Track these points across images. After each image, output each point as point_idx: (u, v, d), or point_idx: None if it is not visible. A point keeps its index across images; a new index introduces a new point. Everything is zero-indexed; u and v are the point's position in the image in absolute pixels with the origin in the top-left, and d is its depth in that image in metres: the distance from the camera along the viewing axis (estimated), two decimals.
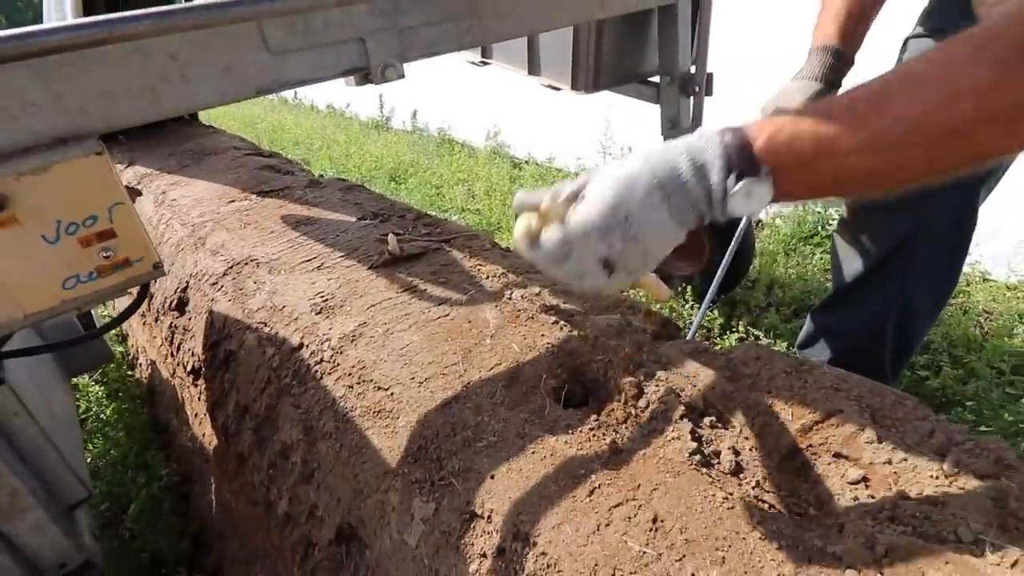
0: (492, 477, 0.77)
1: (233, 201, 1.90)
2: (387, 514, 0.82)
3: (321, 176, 2.48)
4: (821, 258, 2.60)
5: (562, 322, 1.04)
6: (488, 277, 1.25)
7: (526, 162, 4.39)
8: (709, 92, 1.77)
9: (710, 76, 1.76)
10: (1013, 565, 0.61)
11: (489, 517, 0.73)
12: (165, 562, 1.40)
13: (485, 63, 2.08)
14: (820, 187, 0.61)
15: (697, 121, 1.80)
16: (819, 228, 2.78)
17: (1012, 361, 1.87)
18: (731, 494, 0.73)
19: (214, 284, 1.45)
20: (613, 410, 0.87)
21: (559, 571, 0.66)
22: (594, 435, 0.82)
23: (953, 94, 0.51)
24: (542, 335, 1.01)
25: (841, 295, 1.54)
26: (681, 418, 0.84)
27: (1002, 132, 0.52)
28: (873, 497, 0.73)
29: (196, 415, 1.48)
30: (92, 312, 1.34)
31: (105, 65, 0.71)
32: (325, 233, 1.56)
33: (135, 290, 0.85)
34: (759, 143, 0.57)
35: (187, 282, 1.57)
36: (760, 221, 2.92)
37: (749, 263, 2.16)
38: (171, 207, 1.94)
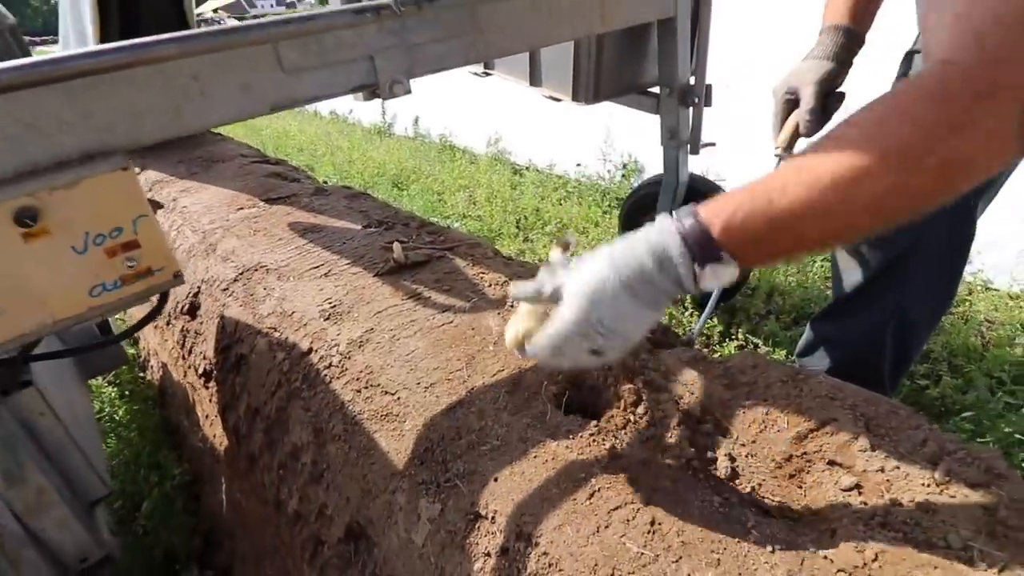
0: (496, 479, 0.80)
1: (242, 208, 1.93)
2: (395, 514, 0.85)
3: (325, 183, 2.52)
4: (821, 266, 2.62)
5: None
6: (490, 285, 1.28)
7: (527, 168, 4.43)
8: (708, 103, 1.81)
9: (709, 87, 1.79)
10: (1000, 571, 0.64)
11: (493, 518, 0.77)
12: (177, 558, 1.43)
13: (488, 74, 2.12)
14: (780, 254, 0.65)
15: (696, 131, 1.83)
16: None
17: (1013, 371, 1.88)
18: (727, 499, 0.76)
19: (225, 290, 1.49)
20: (612, 416, 0.90)
21: (560, 570, 0.69)
22: (594, 440, 0.85)
23: (883, 155, 0.55)
24: None
25: (840, 305, 1.56)
26: (679, 425, 0.87)
27: (935, 182, 0.55)
28: (866, 504, 0.76)
29: (207, 417, 1.51)
30: (108, 318, 1.37)
31: (132, 85, 0.75)
32: (332, 240, 1.60)
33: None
34: (716, 230, 0.61)
35: (199, 287, 1.60)
36: None
37: (749, 269, 2.19)
38: (182, 214, 1.98)
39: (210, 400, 1.46)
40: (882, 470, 0.78)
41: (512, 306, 1.18)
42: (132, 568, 1.37)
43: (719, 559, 0.67)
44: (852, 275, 1.49)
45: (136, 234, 0.79)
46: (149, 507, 1.51)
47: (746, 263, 0.63)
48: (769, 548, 0.68)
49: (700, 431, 0.87)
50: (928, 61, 0.59)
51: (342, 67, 0.94)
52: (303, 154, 5.70)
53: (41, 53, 0.78)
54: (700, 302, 2.18)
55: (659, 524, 0.71)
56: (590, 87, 1.76)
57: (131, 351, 2.34)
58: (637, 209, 2.21)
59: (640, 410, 0.89)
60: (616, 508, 0.73)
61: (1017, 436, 1.60)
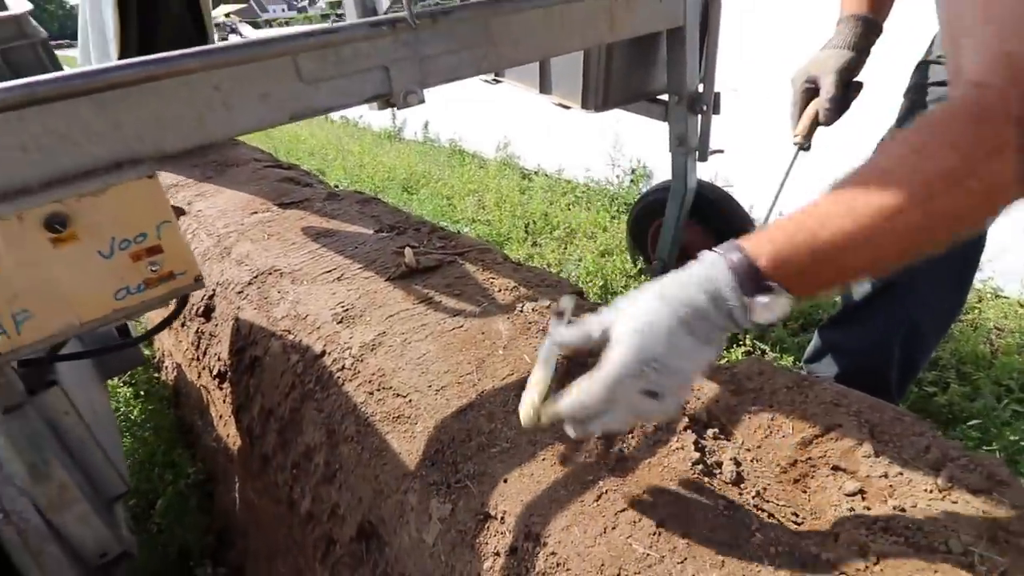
0: (505, 481, 0.82)
1: (256, 212, 1.97)
2: (406, 513, 0.88)
3: (337, 187, 2.55)
4: None
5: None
6: (500, 290, 1.30)
7: (535, 173, 4.45)
8: (717, 111, 1.82)
9: (717, 95, 1.81)
10: None
11: (502, 518, 0.79)
12: (191, 556, 1.46)
13: (498, 81, 2.15)
14: (827, 285, 0.65)
15: (704, 138, 1.84)
16: None
17: (1021, 379, 1.88)
18: (732, 502, 0.77)
19: (240, 293, 1.52)
20: None
21: (568, 569, 0.71)
22: (601, 444, 0.87)
23: (925, 181, 0.55)
24: None
25: (849, 312, 1.56)
26: (685, 429, 0.88)
27: (979, 204, 0.56)
28: (869, 509, 0.77)
29: (221, 417, 1.54)
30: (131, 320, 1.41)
31: (158, 97, 0.78)
32: (344, 245, 1.63)
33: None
34: (763, 262, 0.61)
35: (213, 290, 1.63)
36: None
37: None
38: (197, 218, 2.01)
39: (224, 401, 1.49)
40: (885, 476, 0.79)
41: (521, 312, 1.20)
42: (147, 564, 1.40)
43: (723, 561, 0.68)
44: (861, 283, 1.49)
45: (159, 239, 0.82)
46: (164, 505, 1.55)
47: (795, 293, 0.61)
48: (773, 551, 0.70)
49: (706, 436, 0.89)
50: (958, 82, 0.60)
51: (358, 78, 0.97)
52: (314, 158, 5.75)
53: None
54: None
55: (665, 526, 0.72)
56: (599, 95, 1.79)
57: (146, 352, 2.38)
58: (645, 215, 2.23)
59: None
60: (623, 510, 0.75)
61: (1023, 444, 1.60)
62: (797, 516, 0.78)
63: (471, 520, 0.81)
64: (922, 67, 1.29)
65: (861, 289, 1.49)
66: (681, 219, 1.96)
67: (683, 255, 2.15)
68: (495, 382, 1.01)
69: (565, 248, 3.03)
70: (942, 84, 1.21)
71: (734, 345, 2.16)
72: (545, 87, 1.96)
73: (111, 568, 0.99)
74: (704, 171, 1.99)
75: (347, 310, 1.29)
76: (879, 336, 1.47)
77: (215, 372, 1.52)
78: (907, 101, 1.31)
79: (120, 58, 1.80)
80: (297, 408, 1.17)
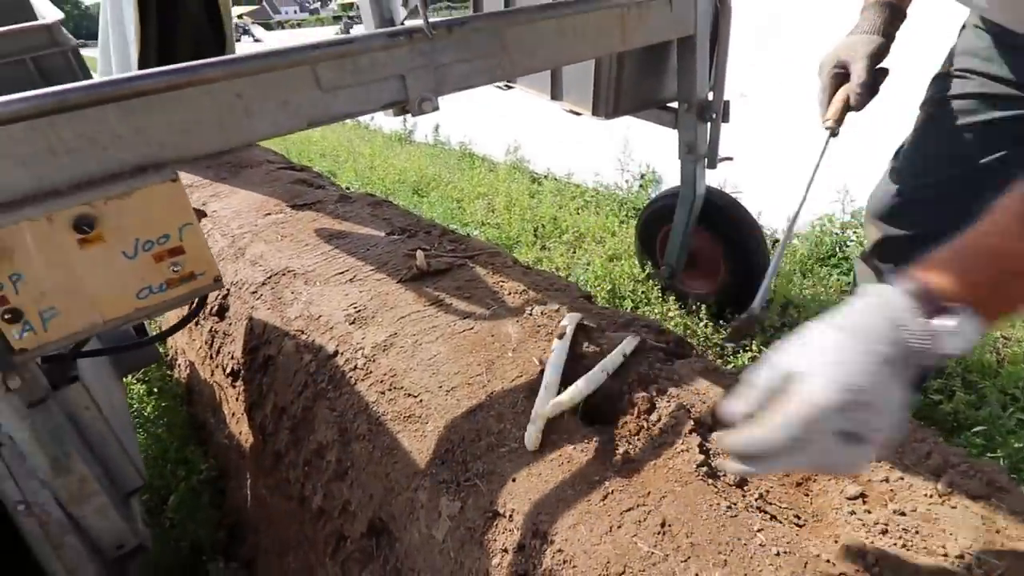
0: (513, 480, 0.85)
1: (269, 214, 2.00)
2: (416, 510, 0.90)
3: (348, 189, 2.58)
4: (838, 279, 2.63)
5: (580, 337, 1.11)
6: (510, 293, 1.32)
7: (545, 177, 4.47)
8: (726, 119, 1.84)
9: (727, 103, 1.82)
10: None
11: (511, 516, 0.81)
12: (203, 550, 1.49)
13: (510, 87, 2.17)
14: (1013, 308, 0.61)
15: (714, 146, 1.86)
16: (836, 249, 2.81)
17: None
18: (735, 504, 0.79)
19: (254, 293, 1.55)
20: (626, 423, 0.94)
21: (574, 567, 0.73)
22: (608, 445, 0.89)
23: None
24: None
25: None
26: (690, 432, 0.90)
27: None
28: (869, 512, 0.78)
29: (233, 414, 1.57)
30: (153, 318, 1.44)
31: (181, 103, 0.81)
32: (356, 247, 1.65)
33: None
34: (947, 285, 0.57)
35: (227, 290, 1.67)
36: (777, 241, 2.96)
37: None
38: (212, 219, 2.05)
39: (237, 398, 1.52)
40: (887, 480, 0.81)
41: (530, 315, 1.22)
42: (160, 558, 1.43)
43: (726, 560, 0.70)
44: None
45: (181, 241, 0.85)
46: (176, 500, 1.58)
47: (987, 314, 0.57)
48: (774, 551, 0.71)
49: (711, 439, 0.91)
50: None
51: (375, 86, 0.99)
52: (325, 160, 5.80)
53: None
54: (713, 314, 2.21)
55: (669, 526, 0.74)
56: (610, 102, 1.81)
57: (160, 350, 2.42)
58: (654, 220, 2.25)
59: (653, 417, 0.93)
60: (628, 510, 0.77)
61: None
62: (799, 518, 0.80)
63: (480, 518, 0.83)
64: (940, 80, 1.28)
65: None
66: (690, 225, 1.98)
67: (691, 260, 2.16)
68: (504, 384, 1.03)
69: (574, 252, 3.05)
70: (963, 97, 1.21)
71: (740, 351, 2.17)
72: (556, 94, 1.98)
73: (127, 560, 1.02)
74: (713, 177, 2.01)
75: (359, 311, 1.32)
76: None
77: (228, 370, 1.55)
78: (923, 113, 1.31)
79: (139, 57, 1.84)
80: (310, 406, 1.19)
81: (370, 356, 1.17)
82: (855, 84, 1.17)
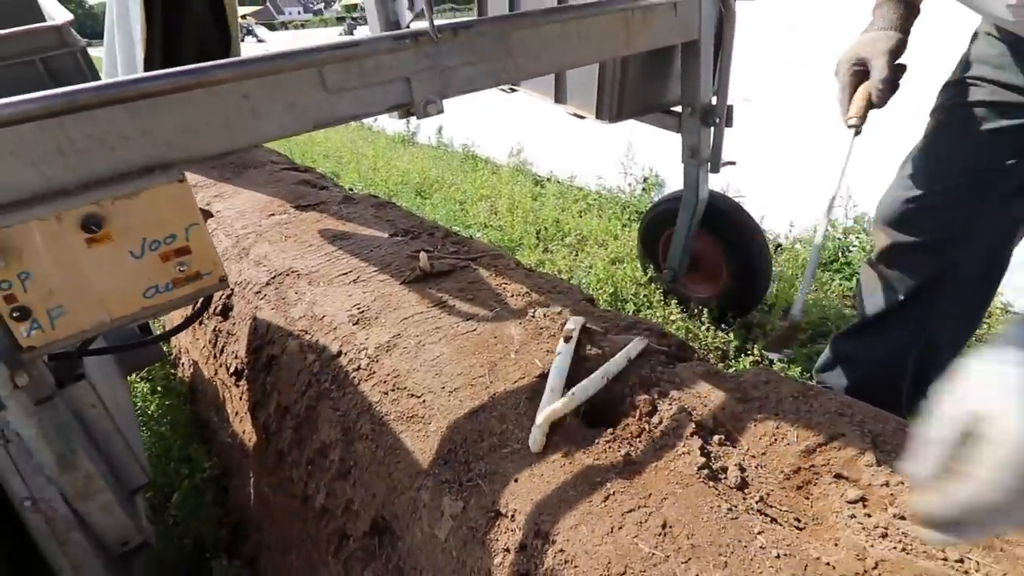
0: (516, 480, 0.85)
1: (273, 214, 2.01)
2: (419, 510, 0.90)
3: (351, 190, 2.59)
4: (840, 284, 2.63)
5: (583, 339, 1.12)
6: (513, 295, 1.33)
7: (548, 180, 4.48)
8: (729, 123, 1.84)
9: (730, 108, 1.83)
10: None
11: (513, 516, 0.81)
12: (206, 548, 1.50)
13: (513, 90, 2.18)
14: None
15: (717, 150, 1.87)
16: (839, 255, 2.82)
17: None
18: (735, 506, 0.79)
19: (258, 293, 1.56)
20: (628, 425, 0.94)
21: (575, 567, 0.73)
22: (610, 447, 0.89)
23: None
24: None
25: (864, 325, 1.54)
26: (692, 435, 0.90)
27: None
28: (869, 515, 0.79)
29: (237, 413, 1.58)
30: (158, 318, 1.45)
31: (188, 104, 0.82)
32: (360, 248, 1.66)
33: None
34: None
35: (231, 290, 1.67)
36: (779, 246, 2.96)
37: (767, 286, 2.22)
38: (216, 219, 2.06)
39: (240, 398, 1.53)
40: (887, 484, 0.81)
41: (533, 317, 1.23)
42: (164, 555, 1.44)
43: (726, 562, 0.71)
44: (879, 298, 1.48)
45: (188, 241, 0.85)
46: (180, 498, 1.59)
47: None
48: (775, 553, 0.72)
49: (712, 442, 0.91)
50: None
51: (380, 88, 1.00)
52: (328, 160, 5.81)
53: None
54: (715, 318, 2.21)
55: (670, 527, 0.75)
56: (614, 106, 1.81)
57: (163, 348, 2.42)
58: (657, 224, 2.25)
59: (655, 419, 0.93)
60: (630, 511, 0.77)
61: None
62: (799, 521, 0.80)
63: (482, 517, 0.83)
64: (950, 87, 1.27)
65: (876, 303, 1.48)
66: (692, 229, 1.98)
67: (693, 264, 2.17)
68: (507, 385, 1.04)
69: (576, 255, 3.06)
70: (974, 105, 1.21)
71: (741, 355, 2.17)
72: (560, 97, 1.99)
73: (131, 557, 1.03)
74: (716, 181, 2.01)
75: (363, 312, 1.32)
76: (894, 348, 1.46)
77: (232, 370, 1.56)
78: (934, 120, 1.31)
79: (145, 57, 1.85)
80: (313, 406, 1.20)
81: (373, 356, 1.18)
82: (877, 80, 1.16)
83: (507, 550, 0.79)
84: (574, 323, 1.13)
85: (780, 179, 3.47)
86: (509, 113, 5.69)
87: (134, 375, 2.11)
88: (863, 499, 0.81)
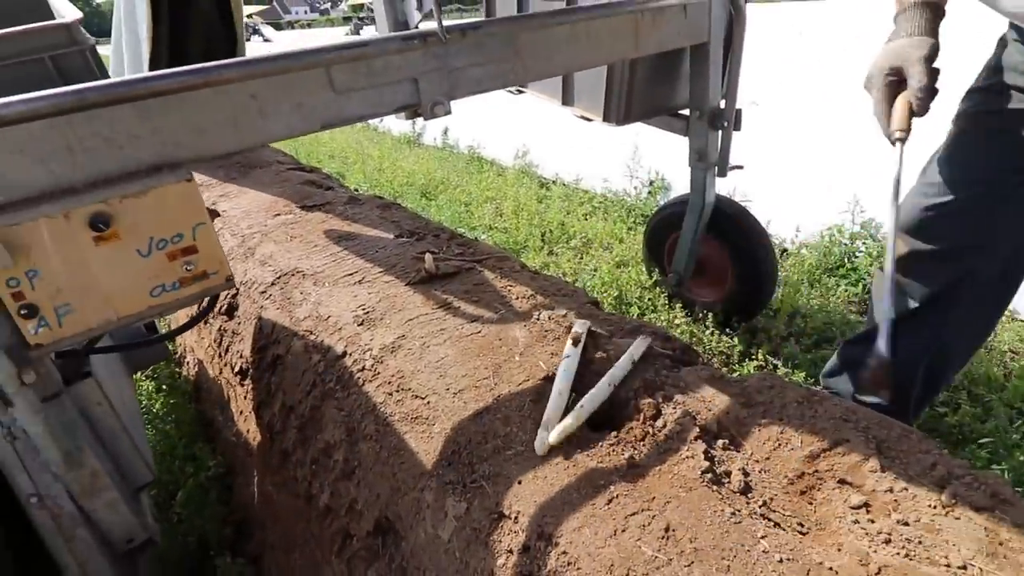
0: (519, 482, 0.85)
1: (279, 214, 2.02)
2: (422, 510, 0.91)
3: (357, 191, 2.60)
4: (846, 290, 2.62)
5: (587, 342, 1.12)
6: (518, 298, 1.33)
7: (553, 182, 4.48)
8: (738, 127, 1.84)
9: (739, 112, 1.83)
10: None
11: (516, 518, 0.81)
12: (210, 546, 1.51)
13: (521, 92, 2.18)
14: None
15: (724, 154, 1.86)
16: (845, 260, 2.80)
17: None
18: (739, 510, 0.79)
19: (263, 292, 1.56)
20: (632, 428, 0.94)
21: (578, 569, 0.73)
22: (613, 450, 0.89)
23: None
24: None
25: (873, 332, 1.52)
26: (696, 439, 0.90)
27: None
28: (873, 521, 0.79)
29: (241, 412, 1.58)
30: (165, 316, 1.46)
31: (196, 104, 0.82)
32: (365, 249, 1.67)
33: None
34: None
35: (237, 289, 1.68)
36: (786, 251, 2.95)
37: (772, 291, 2.21)
38: (222, 218, 2.07)
39: (245, 397, 1.53)
40: (891, 490, 0.81)
41: (538, 320, 1.23)
42: (168, 553, 1.44)
43: (729, 566, 0.70)
44: (884, 305, 1.46)
45: (195, 240, 0.86)
46: (184, 496, 1.59)
47: None
48: (778, 558, 0.72)
49: (715, 446, 0.91)
50: None
51: (388, 89, 1.00)
52: (334, 161, 5.83)
53: None
54: (720, 322, 2.20)
55: (673, 531, 0.75)
56: (621, 108, 1.81)
57: (168, 347, 2.43)
58: (662, 227, 2.25)
59: (659, 423, 0.93)
60: (633, 514, 0.77)
61: None
62: (803, 526, 0.80)
63: (486, 519, 0.83)
64: (975, 94, 1.26)
65: (885, 311, 1.46)
66: (698, 233, 1.98)
67: (698, 268, 2.16)
68: (511, 387, 1.04)
69: (581, 258, 3.06)
70: (998, 113, 1.19)
71: (746, 359, 2.16)
72: (568, 99, 1.99)
73: (136, 554, 1.03)
74: (722, 185, 2.01)
75: (368, 313, 1.33)
76: (905, 356, 1.43)
77: (237, 369, 1.57)
78: (956, 128, 1.29)
79: (151, 55, 1.86)
80: (318, 406, 1.20)
81: (378, 357, 1.18)
82: (917, 89, 1.11)
83: (510, 551, 0.79)
84: (581, 326, 1.13)
85: (787, 184, 3.46)
86: (515, 115, 5.69)
87: (139, 373, 2.12)
88: (867, 505, 0.81)
